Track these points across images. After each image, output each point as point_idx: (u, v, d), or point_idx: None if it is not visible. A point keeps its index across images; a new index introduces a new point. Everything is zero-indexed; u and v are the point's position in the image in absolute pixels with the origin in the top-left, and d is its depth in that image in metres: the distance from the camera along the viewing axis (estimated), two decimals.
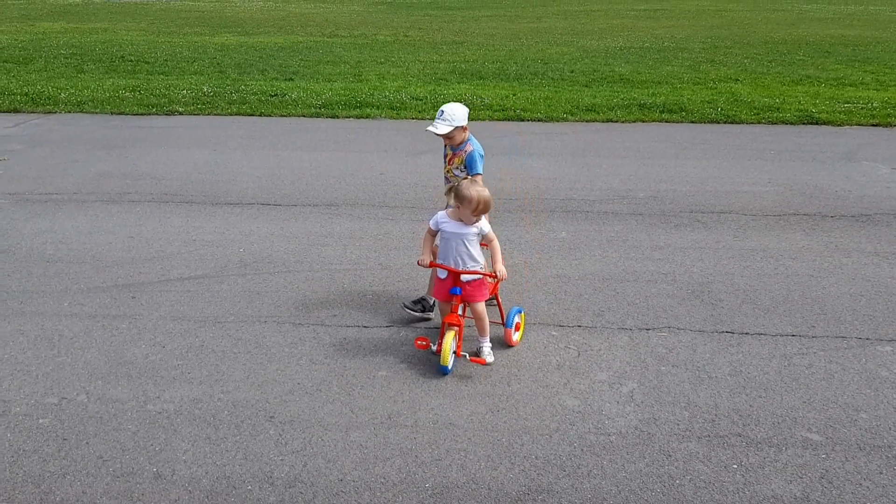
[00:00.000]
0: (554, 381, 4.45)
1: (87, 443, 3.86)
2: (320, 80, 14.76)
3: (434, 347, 4.59)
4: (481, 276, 4.55)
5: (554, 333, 5.02)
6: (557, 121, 11.67)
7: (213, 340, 4.92)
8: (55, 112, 12.17)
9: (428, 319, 5.14)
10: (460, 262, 4.55)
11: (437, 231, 4.65)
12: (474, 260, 4.57)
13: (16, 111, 12.17)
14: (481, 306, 4.60)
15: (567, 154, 9.75)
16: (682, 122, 11.64)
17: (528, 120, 11.70)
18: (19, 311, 5.29)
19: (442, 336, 4.52)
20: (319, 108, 12.30)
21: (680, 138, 10.62)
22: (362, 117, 11.91)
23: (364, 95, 13.04)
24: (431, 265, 4.61)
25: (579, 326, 5.12)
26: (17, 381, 4.42)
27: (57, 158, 9.40)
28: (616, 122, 11.64)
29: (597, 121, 11.68)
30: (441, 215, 4.62)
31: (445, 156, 5.10)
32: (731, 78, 14.98)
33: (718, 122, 11.58)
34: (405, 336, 4.97)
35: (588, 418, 4.10)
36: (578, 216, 7.34)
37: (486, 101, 12.54)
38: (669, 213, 7.44)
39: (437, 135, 4.84)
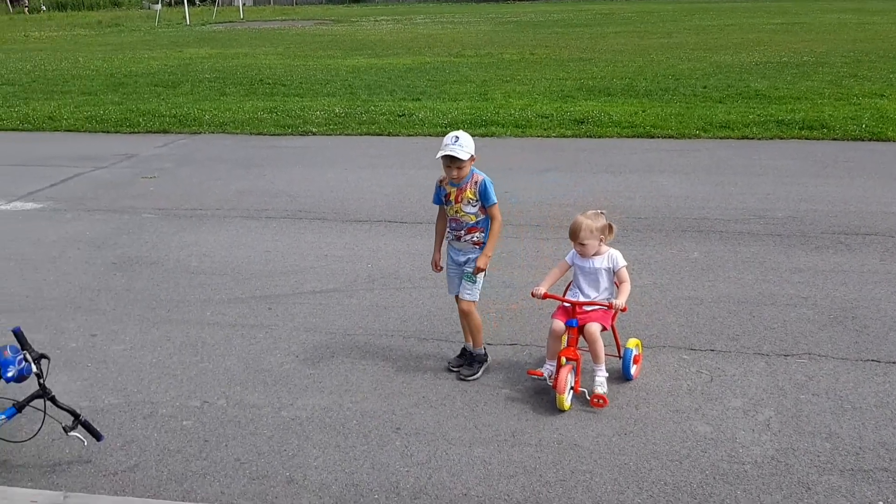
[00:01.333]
0: (685, 406, 4.31)
1: (225, 445, 4.06)
2: (446, 99, 15.00)
3: (547, 377, 4.46)
4: (600, 307, 4.41)
5: (685, 357, 4.86)
6: (690, 137, 11.35)
7: (343, 351, 5.07)
8: (200, 133, 12.94)
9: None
10: (588, 295, 4.49)
11: (570, 266, 4.56)
12: (600, 295, 4.49)
13: (165, 132, 13.02)
14: (595, 328, 4.35)
15: (700, 171, 9.46)
16: (823, 139, 11.06)
17: (659, 137, 11.44)
18: (167, 319, 5.64)
19: (558, 370, 4.32)
20: (445, 127, 12.48)
21: (821, 156, 10.10)
22: (487, 135, 12.00)
23: (489, 114, 13.14)
24: (546, 296, 4.48)
25: (712, 350, 4.94)
26: (164, 384, 4.70)
27: (201, 176, 9.98)
28: (752, 139, 11.19)
29: (731, 137, 11.27)
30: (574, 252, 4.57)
31: (447, 195, 4.54)
32: (875, 93, 14.11)
33: (863, 140, 10.92)
34: (528, 354, 4.96)
35: (721, 446, 3.94)
36: (712, 236, 7.10)
37: (615, 117, 12.36)
38: (810, 234, 7.08)
39: (455, 159, 4.31)
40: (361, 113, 13.73)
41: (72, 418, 3.86)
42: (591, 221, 4.39)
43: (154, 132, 13.02)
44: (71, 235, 7.60)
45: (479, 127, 12.38)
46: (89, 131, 13.26)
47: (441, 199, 4.60)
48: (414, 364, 4.88)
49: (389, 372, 4.79)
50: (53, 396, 3.88)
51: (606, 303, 4.40)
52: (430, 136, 12.20)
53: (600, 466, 3.80)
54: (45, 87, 17.87)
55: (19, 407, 3.86)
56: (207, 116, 13.76)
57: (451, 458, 3.90)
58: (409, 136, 12.29)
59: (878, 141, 10.85)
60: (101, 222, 8.04)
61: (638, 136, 11.50)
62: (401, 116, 13.33)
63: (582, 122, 12.20)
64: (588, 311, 4.42)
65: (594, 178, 9.33)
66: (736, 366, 4.73)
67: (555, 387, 4.28)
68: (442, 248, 4.76)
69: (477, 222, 4.54)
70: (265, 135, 12.65)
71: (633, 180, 9.10)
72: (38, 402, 3.87)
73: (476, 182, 4.45)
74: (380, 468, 3.83)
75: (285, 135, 12.61)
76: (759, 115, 12.27)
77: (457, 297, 4.66)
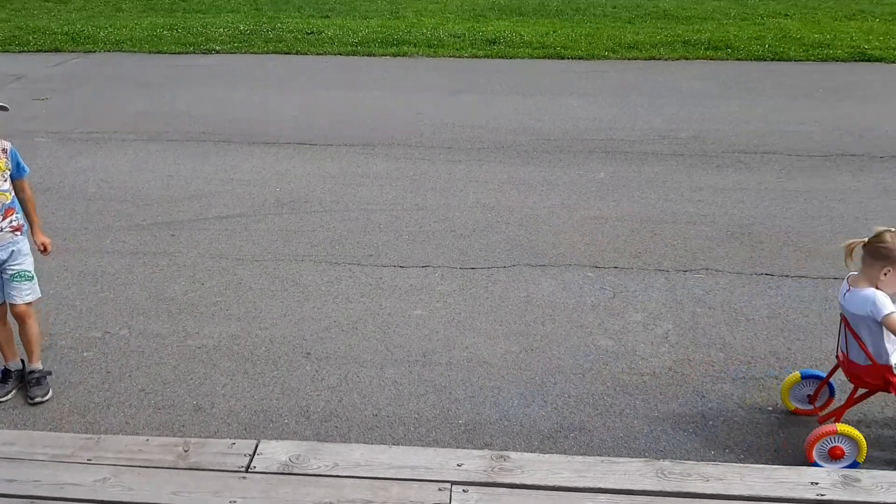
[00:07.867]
0: (588, 322, 4.44)
1: (129, 375, 3.97)
2: (357, 17, 14.58)
3: None
4: None
5: (589, 275, 4.99)
6: (599, 58, 11.40)
7: (251, 278, 4.98)
8: (94, 51, 12.21)
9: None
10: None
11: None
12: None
13: (57, 50, 12.24)
14: None
15: (608, 93, 9.54)
16: (727, 59, 11.29)
17: (569, 58, 11.44)
18: (63, 248, 5.39)
19: None
20: (356, 46, 12.17)
21: (724, 76, 10.32)
22: (399, 55, 11.76)
23: (401, 33, 12.85)
24: None
25: (615, 268, 5.08)
26: (63, 315, 4.53)
27: (97, 98, 9.47)
28: (659, 59, 11.33)
29: (639, 58, 11.38)
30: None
31: None
32: (779, 13, 14.44)
33: (765, 60, 11.20)
34: (440, 276, 4.99)
35: (621, 358, 4.09)
36: (618, 157, 7.22)
37: (526, 38, 12.28)
38: (711, 153, 7.28)
39: None
40: (268, 30, 13.22)
41: None
42: None
43: (45, 51, 12.22)
44: None
45: (390, 46, 12.12)
46: None
47: None
48: (325, 289, 4.84)
49: (299, 298, 4.74)
50: None
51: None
52: (341, 55, 11.88)
53: (507, 382, 3.90)
54: None
55: None
56: (102, 34, 12.99)
57: (361, 381, 3.92)
58: (318, 54, 11.93)
59: (780, 61, 11.16)
60: None
61: (549, 57, 11.48)
62: (309, 34, 12.90)
63: (494, 43, 12.08)
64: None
65: (505, 99, 9.30)
66: (637, 282, 4.89)
67: None
68: None
69: (13, 202, 3.60)
70: (165, 53, 12.05)
71: (542, 102, 9.11)
72: None
73: (5, 150, 3.54)
74: (290, 393, 3.83)
75: (187, 53, 12.05)
76: (666, 36, 12.42)
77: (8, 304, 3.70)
